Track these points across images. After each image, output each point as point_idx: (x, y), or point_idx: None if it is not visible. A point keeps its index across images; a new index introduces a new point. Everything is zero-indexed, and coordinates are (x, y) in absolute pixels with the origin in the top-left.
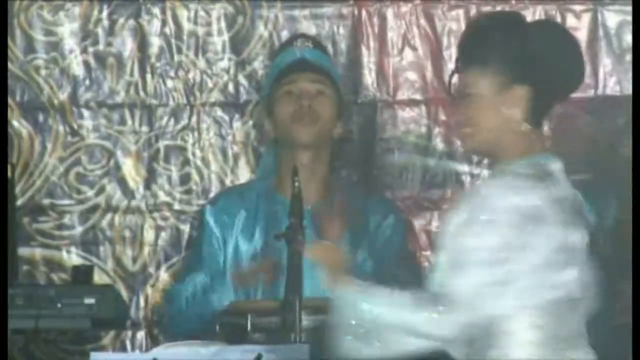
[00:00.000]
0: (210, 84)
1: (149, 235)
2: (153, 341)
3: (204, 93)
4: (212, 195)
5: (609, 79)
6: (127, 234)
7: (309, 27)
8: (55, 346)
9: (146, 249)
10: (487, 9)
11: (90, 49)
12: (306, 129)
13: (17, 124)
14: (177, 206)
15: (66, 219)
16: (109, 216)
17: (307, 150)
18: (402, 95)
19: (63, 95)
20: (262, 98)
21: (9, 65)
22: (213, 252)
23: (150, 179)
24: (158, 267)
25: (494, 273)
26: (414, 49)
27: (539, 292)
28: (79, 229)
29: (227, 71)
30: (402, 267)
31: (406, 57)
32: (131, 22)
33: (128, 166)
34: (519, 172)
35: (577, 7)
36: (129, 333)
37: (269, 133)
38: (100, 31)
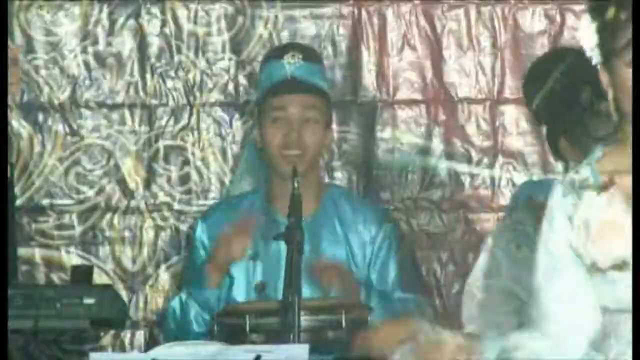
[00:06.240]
0: (210, 84)
1: (148, 235)
2: (152, 341)
3: (203, 93)
4: (210, 194)
5: None
6: (127, 234)
7: (308, 27)
8: (54, 346)
9: (145, 249)
10: (486, 9)
11: (90, 49)
12: (295, 160)
13: (17, 123)
14: (176, 206)
15: (66, 219)
16: (108, 216)
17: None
18: (402, 95)
19: (63, 95)
20: (255, 103)
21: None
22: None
23: (149, 179)
24: (157, 267)
25: None
26: (414, 49)
27: None
28: (78, 229)
29: (227, 71)
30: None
31: (406, 57)
32: (131, 22)
33: (128, 166)
34: None
35: (577, 7)
36: (128, 333)
37: (258, 144)
38: (100, 31)
